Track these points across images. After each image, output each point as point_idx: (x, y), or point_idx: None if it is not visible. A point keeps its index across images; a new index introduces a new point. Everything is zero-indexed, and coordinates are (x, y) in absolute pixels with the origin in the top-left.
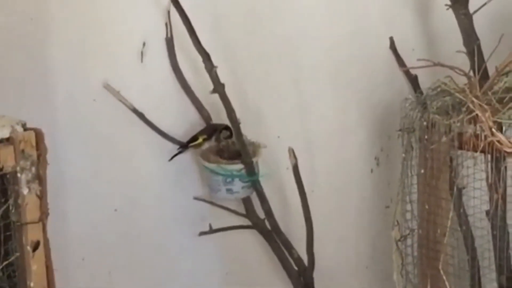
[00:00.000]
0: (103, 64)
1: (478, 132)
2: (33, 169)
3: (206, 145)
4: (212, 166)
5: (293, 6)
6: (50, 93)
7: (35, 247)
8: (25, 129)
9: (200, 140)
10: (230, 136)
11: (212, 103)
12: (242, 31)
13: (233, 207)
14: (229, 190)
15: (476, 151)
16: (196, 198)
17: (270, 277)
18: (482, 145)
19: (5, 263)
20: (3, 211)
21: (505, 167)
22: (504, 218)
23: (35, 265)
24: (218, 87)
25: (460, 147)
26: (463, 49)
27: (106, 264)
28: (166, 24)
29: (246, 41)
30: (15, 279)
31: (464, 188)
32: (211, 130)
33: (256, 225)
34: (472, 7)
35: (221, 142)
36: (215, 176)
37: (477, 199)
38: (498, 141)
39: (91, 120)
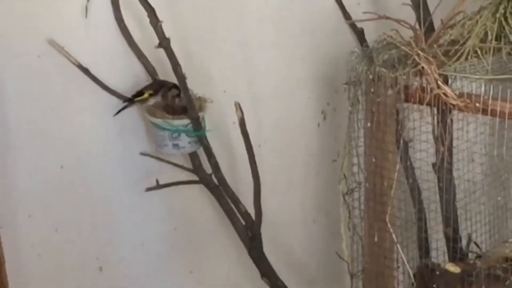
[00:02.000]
0: (47, 19)
1: (424, 85)
2: None
3: (152, 101)
4: (158, 121)
5: None
6: None
7: None
8: None
9: (146, 95)
10: (179, 95)
11: (158, 58)
12: None
13: (180, 162)
14: (175, 145)
15: (422, 104)
16: (142, 154)
17: (218, 232)
18: (428, 98)
19: None
20: None
21: (451, 120)
22: (450, 171)
23: None
24: (164, 42)
25: (406, 100)
26: (409, 2)
27: (52, 221)
28: None
29: None
30: None
31: (410, 141)
32: (158, 85)
33: (203, 180)
34: None
35: (167, 98)
36: (161, 131)
37: (423, 152)
38: (444, 94)
39: (35, 76)
